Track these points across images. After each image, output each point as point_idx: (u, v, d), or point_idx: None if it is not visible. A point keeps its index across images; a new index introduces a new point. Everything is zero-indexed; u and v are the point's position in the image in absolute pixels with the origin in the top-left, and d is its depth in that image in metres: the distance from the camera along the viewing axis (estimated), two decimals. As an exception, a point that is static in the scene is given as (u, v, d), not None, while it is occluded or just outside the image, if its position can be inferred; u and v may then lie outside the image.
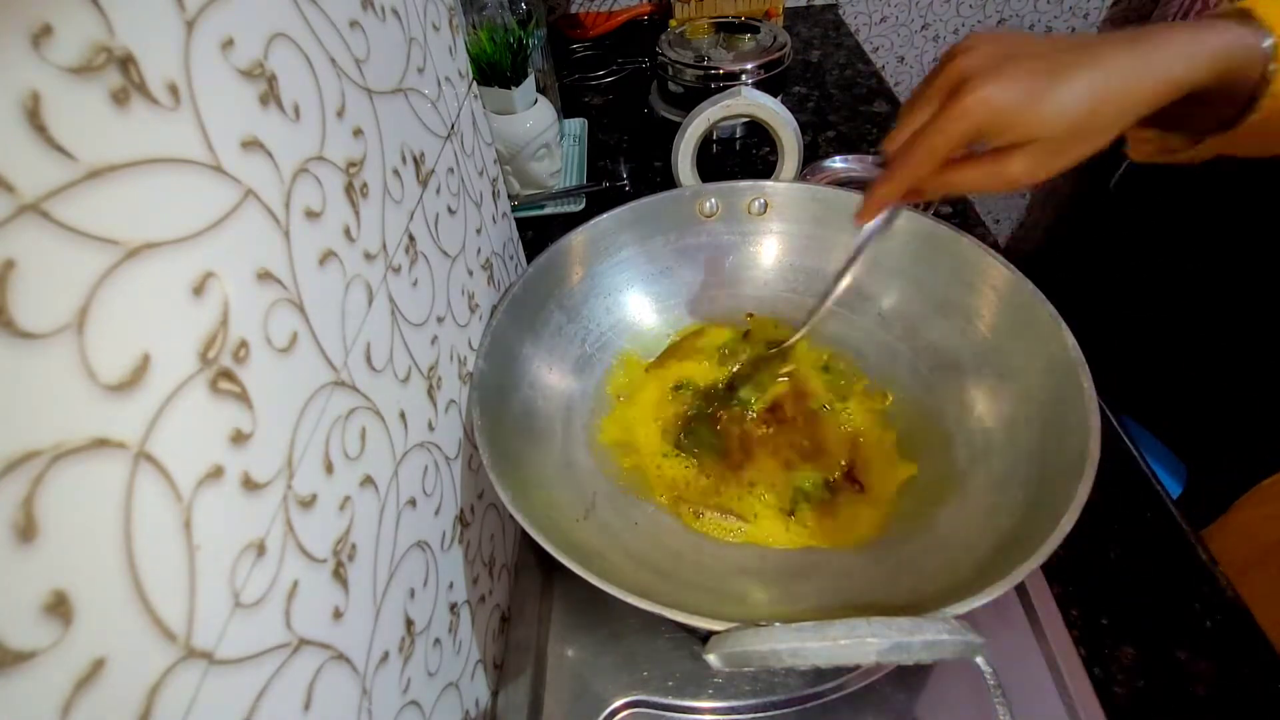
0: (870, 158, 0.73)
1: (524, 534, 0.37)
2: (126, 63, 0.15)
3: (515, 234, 0.51)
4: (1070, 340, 0.37)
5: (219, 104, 0.18)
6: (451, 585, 0.34)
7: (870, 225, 0.38)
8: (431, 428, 0.32)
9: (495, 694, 0.40)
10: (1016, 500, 0.34)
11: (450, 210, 0.36)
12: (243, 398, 0.18)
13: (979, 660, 0.27)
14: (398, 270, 0.29)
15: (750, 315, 0.51)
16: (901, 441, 0.43)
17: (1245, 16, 0.31)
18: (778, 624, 0.27)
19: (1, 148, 0.12)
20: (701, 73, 0.81)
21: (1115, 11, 1.24)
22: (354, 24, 0.26)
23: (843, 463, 0.43)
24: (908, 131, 0.33)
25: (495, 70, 0.64)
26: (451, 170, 0.37)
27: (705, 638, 0.28)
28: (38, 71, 0.13)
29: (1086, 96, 0.30)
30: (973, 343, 0.43)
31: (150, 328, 0.15)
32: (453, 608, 0.34)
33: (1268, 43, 0.30)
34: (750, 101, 0.64)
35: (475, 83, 0.43)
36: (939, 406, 0.43)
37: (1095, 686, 0.37)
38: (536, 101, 0.69)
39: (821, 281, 0.50)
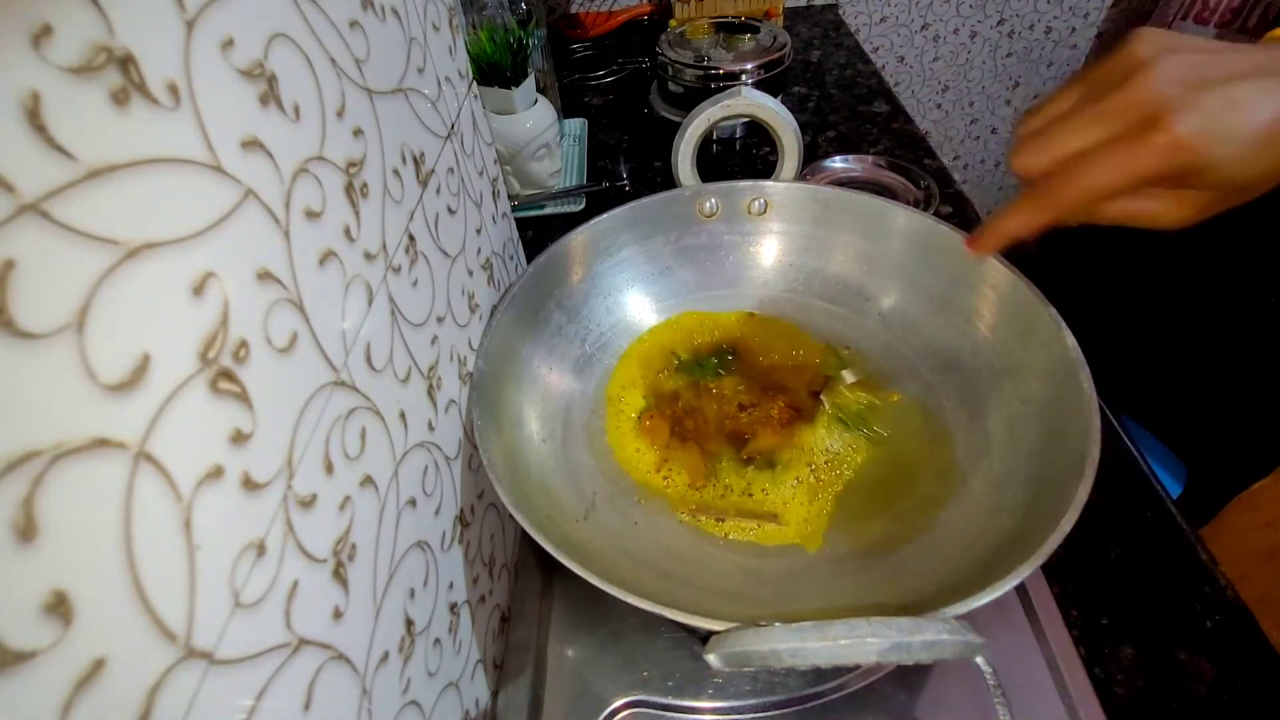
0: (870, 158, 0.74)
1: (524, 534, 0.37)
2: (126, 63, 0.15)
3: (515, 234, 0.51)
4: (1070, 340, 0.37)
5: (219, 104, 0.18)
6: (451, 585, 0.34)
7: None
8: (431, 428, 0.32)
9: (495, 694, 0.40)
10: (1016, 500, 0.34)
11: (450, 210, 0.36)
12: (243, 398, 0.18)
13: (979, 660, 0.27)
14: (398, 270, 0.29)
15: (751, 316, 0.51)
16: (899, 442, 0.43)
17: None
18: (778, 624, 0.27)
19: (1, 148, 0.12)
20: (701, 73, 0.81)
21: (1115, 12, 1.24)
22: (354, 24, 0.26)
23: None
24: (1062, 152, 0.27)
25: (495, 70, 0.64)
26: (451, 170, 0.37)
27: (705, 638, 0.28)
28: (38, 71, 0.13)
29: None
30: (973, 343, 0.43)
31: (150, 328, 0.15)
32: (453, 608, 0.34)
33: None
34: (750, 101, 0.64)
35: (475, 83, 0.43)
36: (939, 406, 0.43)
37: (1095, 686, 0.37)
38: (536, 101, 0.69)
39: (822, 281, 0.50)
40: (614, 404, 0.46)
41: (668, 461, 0.43)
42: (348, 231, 0.25)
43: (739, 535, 0.40)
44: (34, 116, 0.13)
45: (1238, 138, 0.25)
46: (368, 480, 0.25)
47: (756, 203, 0.50)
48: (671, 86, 0.85)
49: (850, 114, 0.86)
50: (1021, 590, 0.41)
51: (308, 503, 0.21)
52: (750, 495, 0.41)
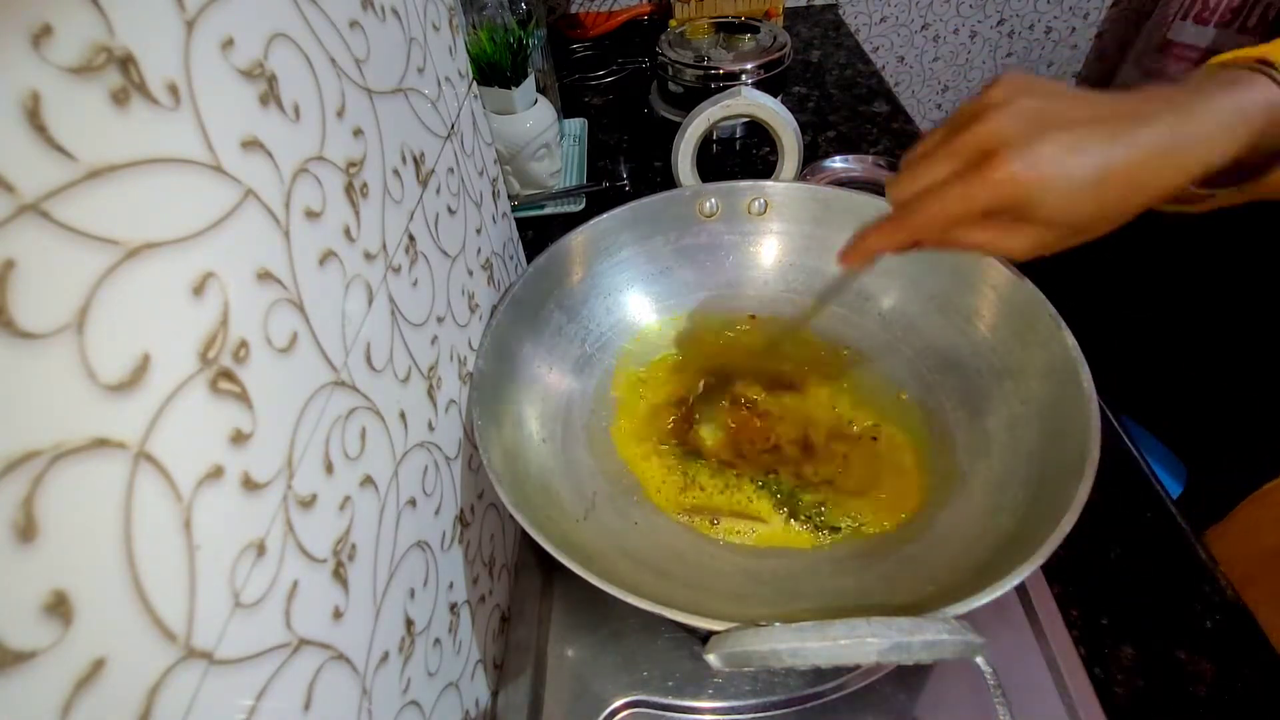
0: (870, 158, 0.74)
1: (524, 534, 0.37)
2: (126, 63, 0.15)
3: (515, 234, 0.51)
4: (1070, 340, 0.37)
5: (219, 104, 0.18)
6: (451, 585, 0.34)
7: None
8: (431, 428, 0.32)
9: (495, 694, 0.40)
10: (1017, 500, 0.34)
11: (450, 210, 0.36)
12: (243, 398, 0.18)
13: (979, 660, 0.27)
14: (398, 270, 0.29)
15: (752, 317, 0.51)
16: (899, 441, 0.43)
17: (1266, 68, 0.29)
18: (778, 624, 0.27)
19: (1, 148, 0.12)
20: (701, 73, 0.81)
21: (1115, 12, 1.24)
22: (354, 24, 0.26)
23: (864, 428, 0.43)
24: (920, 183, 0.31)
25: (495, 70, 0.64)
26: (451, 170, 0.37)
27: (705, 638, 0.28)
28: (38, 71, 0.13)
29: (1118, 191, 0.28)
30: (973, 343, 0.43)
31: (150, 328, 0.15)
32: (453, 608, 0.34)
33: None
34: (750, 101, 0.64)
35: (475, 83, 0.43)
36: (939, 407, 0.43)
37: (1095, 686, 0.37)
38: (536, 101, 0.69)
39: (822, 281, 0.50)
40: (613, 404, 0.46)
41: (663, 465, 0.43)
42: (348, 231, 0.25)
43: (732, 537, 0.40)
44: (34, 116, 0.13)
45: (1062, 179, 0.27)
46: (368, 480, 0.25)
47: (756, 203, 0.50)
48: (671, 86, 0.85)
49: (850, 114, 0.86)
50: (1021, 590, 0.41)
51: (308, 503, 0.21)
52: (730, 492, 0.42)
